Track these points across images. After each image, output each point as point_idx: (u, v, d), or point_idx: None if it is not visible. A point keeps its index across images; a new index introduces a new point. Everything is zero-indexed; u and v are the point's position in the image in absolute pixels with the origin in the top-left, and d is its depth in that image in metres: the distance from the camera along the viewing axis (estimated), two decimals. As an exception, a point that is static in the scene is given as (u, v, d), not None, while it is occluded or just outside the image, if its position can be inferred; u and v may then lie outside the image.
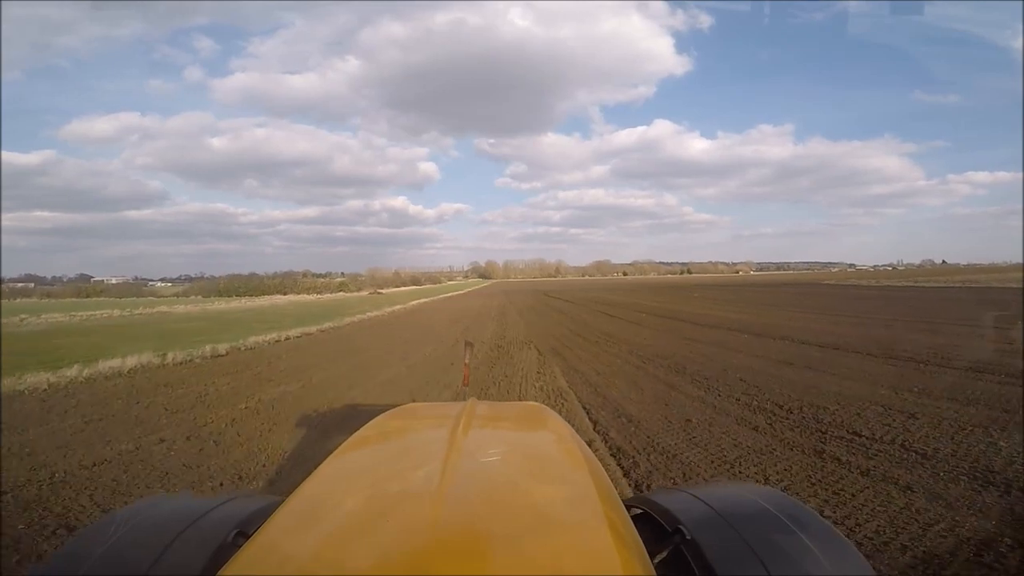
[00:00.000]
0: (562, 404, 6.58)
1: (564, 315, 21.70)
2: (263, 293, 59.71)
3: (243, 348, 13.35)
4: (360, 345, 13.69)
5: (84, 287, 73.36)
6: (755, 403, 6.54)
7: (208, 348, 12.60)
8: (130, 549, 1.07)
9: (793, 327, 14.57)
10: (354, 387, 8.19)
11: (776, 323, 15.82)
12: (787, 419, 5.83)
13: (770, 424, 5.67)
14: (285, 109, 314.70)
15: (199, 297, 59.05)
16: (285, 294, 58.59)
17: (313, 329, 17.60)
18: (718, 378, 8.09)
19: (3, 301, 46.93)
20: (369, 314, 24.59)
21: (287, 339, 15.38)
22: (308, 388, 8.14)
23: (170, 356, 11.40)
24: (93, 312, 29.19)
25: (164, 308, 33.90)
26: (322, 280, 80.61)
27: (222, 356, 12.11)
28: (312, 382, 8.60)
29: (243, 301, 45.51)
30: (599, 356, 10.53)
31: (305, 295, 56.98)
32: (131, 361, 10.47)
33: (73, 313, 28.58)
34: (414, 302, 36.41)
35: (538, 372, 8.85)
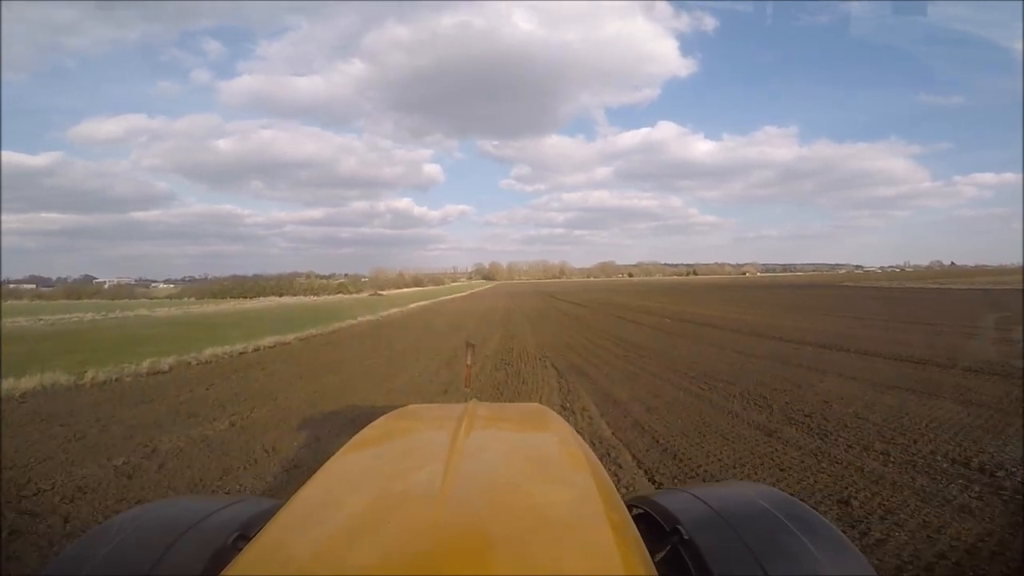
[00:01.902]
0: (614, 472, 4.10)
1: (578, 320, 19.23)
2: (259, 295, 57.45)
3: (193, 363, 10.97)
4: (338, 359, 11.28)
5: (77, 288, 71.53)
6: (918, 460, 4.30)
7: (147, 364, 10.23)
8: (131, 552, 1.07)
9: (853, 336, 12.10)
10: (305, 427, 5.79)
11: (827, 330, 13.31)
12: (999, 492, 3.46)
13: (984, 503, 3.30)
14: (291, 111, 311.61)
15: (192, 299, 56.88)
16: (281, 296, 56.31)
17: (290, 338, 15.21)
18: (822, 415, 5.68)
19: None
20: (361, 319, 22.20)
21: (255, 350, 12.99)
22: (237, 430, 5.74)
23: (91, 374, 9.04)
24: (64, 316, 26.94)
25: (144, 311, 31.60)
26: (320, 281, 78.15)
27: (161, 374, 9.75)
28: (249, 419, 6.19)
29: (234, 303, 43.24)
30: (638, 378, 8.07)
31: (302, 297, 54.68)
32: (29, 382, 8.09)
33: (42, 317, 26.37)
34: (413, 305, 34.02)
35: (562, 406, 6.40)
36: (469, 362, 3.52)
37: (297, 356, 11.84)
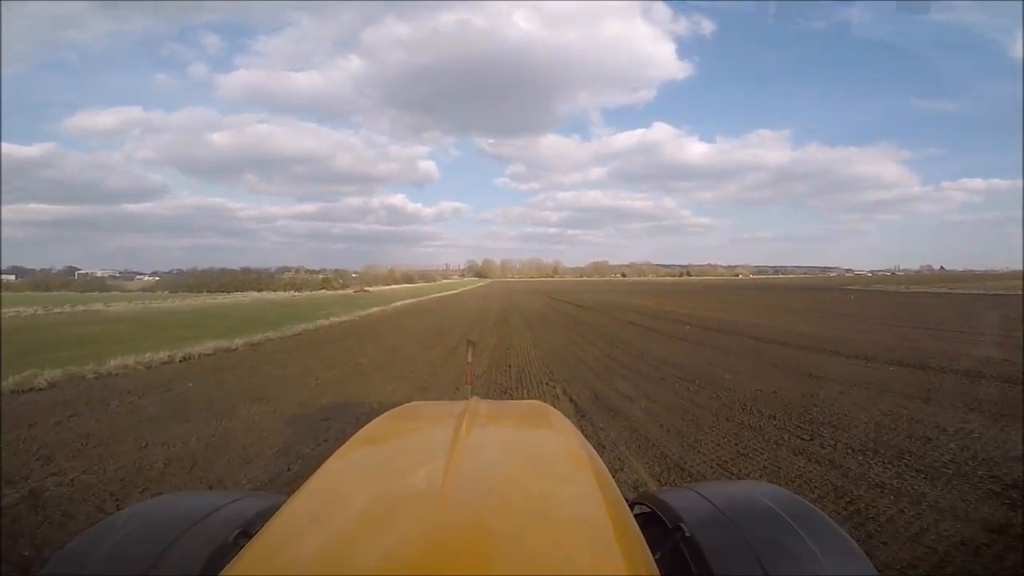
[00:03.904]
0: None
1: (584, 326, 16.69)
2: (236, 289, 54.21)
3: (90, 376, 8.34)
4: (280, 377, 8.65)
5: (47, 280, 67.67)
6: None
7: (18, 378, 7.59)
8: (133, 548, 1.05)
9: (929, 351, 9.69)
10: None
11: (889, 343, 10.90)
12: None
13: None
14: (288, 106, 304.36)
15: (166, 293, 53.66)
16: (260, 291, 53.12)
17: (239, 342, 12.51)
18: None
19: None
20: (334, 319, 19.44)
21: (185, 359, 10.33)
22: (18, 513, 3.13)
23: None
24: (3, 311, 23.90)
25: (100, 306, 28.61)
26: (303, 277, 74.52)
27: (33, 391, 7.17)
28: (64, 488, 3.59)
29: (205, 298, 40.17)
30: (695, 419, 5.55)
31: (281, 293, 51.51)
32: None
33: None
34: (399, 303, 31.26)
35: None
36: (470, 359, 3.46)
37: (231, 370, 9.16)
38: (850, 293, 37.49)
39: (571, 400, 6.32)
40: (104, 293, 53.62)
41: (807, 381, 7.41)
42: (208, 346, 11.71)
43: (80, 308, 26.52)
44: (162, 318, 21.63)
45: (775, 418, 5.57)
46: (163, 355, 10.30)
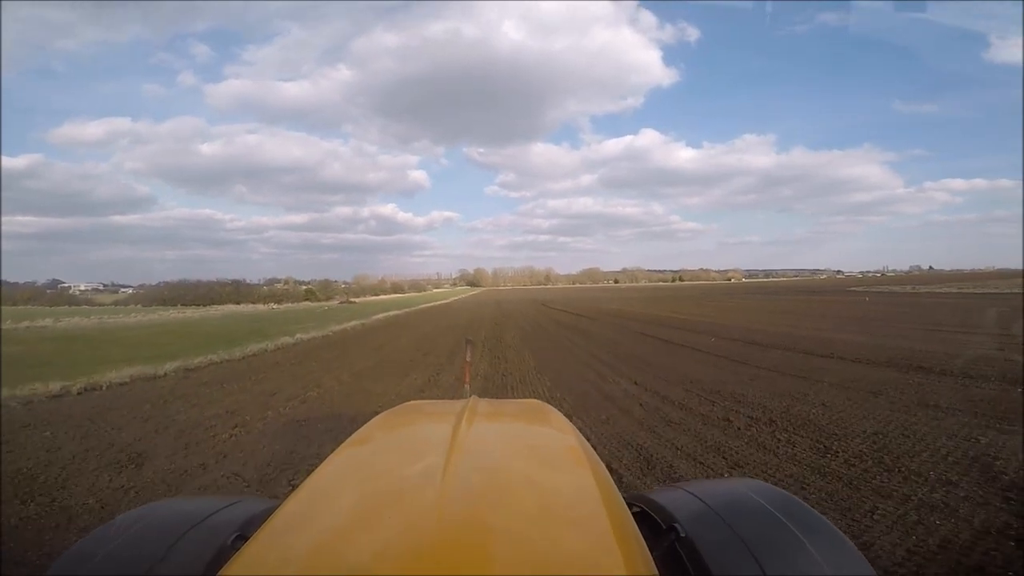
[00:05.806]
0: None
1: (594, 341, 14.46)
2: (213, 302, 51.26)
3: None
4: (188, 422, 6.33)
5: (14, 294, 64.13)
6: None
7: None
8: (132, 551, 1.05)
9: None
10: None
11: (989, 355, 8.83)
12: None
13: None
14: (278, 116, 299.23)
15: (139, 306, 50.68)
16: (238, 303, 50.25)
17: (169, 368, 10.13)
18: None
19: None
20: (302, 336, 16.93)
21: (85, 392, 8.01)
22: None
23: None
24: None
25: (47, 322, 25.86)
26: (284, 288, 71.33)
27: None
28: None
29: (172, 312, 37.41)
30: (806, 483, 3.32)
31: (260, 305, 48.65)
32: None
33: None
34: (382, 315, 28.86)
35: None
36: (468, 358, 3.57)
37: (128, 410, 6.75)
38: (864, 295, 35.59)
39: (610, 469, 4.08)
40: (74, 307, 50.43)
41: (932, 414, 5.26)
42: (127, 372, 9.32)
43: (24, 324, 23.77)
44: (108, 336, 19.06)
45: (951, 484, 3.40)
46: (56, 386, 7.93)
